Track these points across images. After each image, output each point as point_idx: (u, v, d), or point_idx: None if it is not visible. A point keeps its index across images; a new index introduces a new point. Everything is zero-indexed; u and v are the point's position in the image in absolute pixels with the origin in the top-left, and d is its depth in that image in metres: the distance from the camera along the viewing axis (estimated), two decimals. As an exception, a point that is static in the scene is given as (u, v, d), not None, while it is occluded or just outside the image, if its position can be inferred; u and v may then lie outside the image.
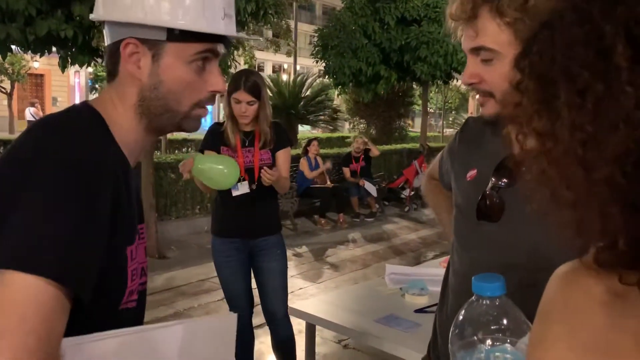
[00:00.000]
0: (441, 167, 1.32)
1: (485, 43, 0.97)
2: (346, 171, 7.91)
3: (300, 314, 2.17)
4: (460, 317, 0.62)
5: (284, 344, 2.69)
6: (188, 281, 4.77)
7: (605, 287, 0.47)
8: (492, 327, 0.60)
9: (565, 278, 0.51)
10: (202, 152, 2.57)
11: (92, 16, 0.87)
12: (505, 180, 1.06)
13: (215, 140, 2.53)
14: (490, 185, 1.07)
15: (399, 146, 10.71)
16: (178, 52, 0.83)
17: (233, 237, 2.56)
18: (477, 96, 1.06)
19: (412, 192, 8.58)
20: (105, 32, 0.86)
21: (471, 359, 0.58)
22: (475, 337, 0.59)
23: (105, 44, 0.86)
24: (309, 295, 4.41)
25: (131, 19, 0.81)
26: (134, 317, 0.87)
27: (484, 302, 0.61)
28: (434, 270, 2.57)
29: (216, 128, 2.61)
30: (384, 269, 2.58)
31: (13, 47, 5.03)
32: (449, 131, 21.95)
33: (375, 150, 8.16)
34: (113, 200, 0.77)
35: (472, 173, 1.12)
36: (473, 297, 0.62)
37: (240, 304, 2.60)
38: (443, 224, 1.38)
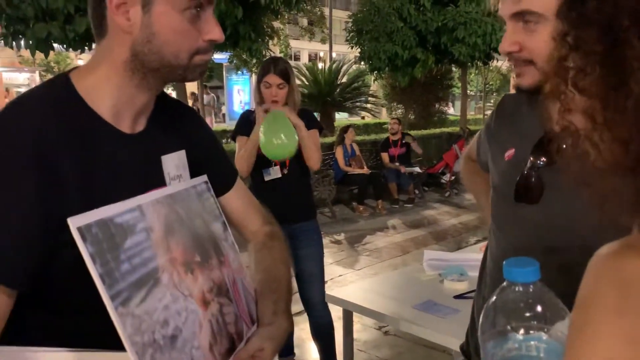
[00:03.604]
0: (479, 147, 1.27)
1: (531, 6, 0.90)
2: (384, 156, 7.82)
3: (338, 301, 2.16)
4: (491, 305, 0.58)
5: (322, 331, 2.69)
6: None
7: None
8: (526, 315, 0.56)
9: (609, 261, 0.47)
10: (234, 140, 2.60)
11: None
12: (544, 159, 1.00)
13: (247, 127, 2.54)
14: (528, 165, 1.02)
15: (438, 130, 10.52)
16: (170, 2, 0.76)
17: None
18: (513, 67, 1.00)
19: (453, 177, 8.42)
20: None
21: (502, 349, 0.54)
22: (507, 326, 0.56)
23: None
24: (348, 282, 4.40)
25: None
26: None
27: (517, 289, 0.57)
28: (474, 255, 2.50)
29: (247, 115, 2.62)
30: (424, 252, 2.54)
31: (55, 45, 5.19)
32: (489, 113, 21.39)
33: (416, 148, 8.07)
34: (53, 178, 0.72)
35: (510, 152, 1.07)
36: (505, 283, 0.58)
37: None
38: (481, 207, 1.33)
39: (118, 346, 0.64)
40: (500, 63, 14.97)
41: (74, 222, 0.63)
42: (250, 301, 0.94)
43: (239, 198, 1.05)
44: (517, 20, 0.93)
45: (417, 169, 7.95)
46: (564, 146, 0.53)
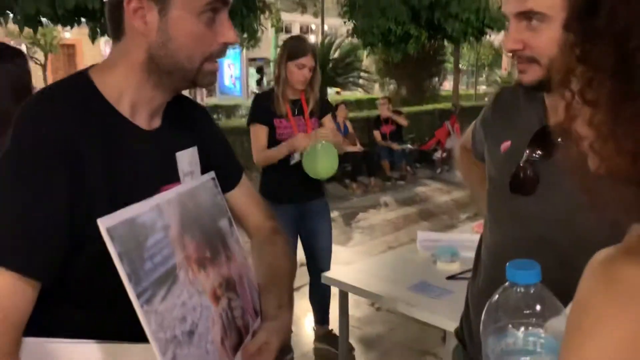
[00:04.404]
0: (474, 138, 1.29)
1: (536, 7, 0.91)
2: (376, 134, 7.84)
3: (334, 282, 2.21)
4: (494, 303, 0.62)
5: (323, 296, 2.88)
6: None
7: None
8: (525, 312, 0.59)
9: (604, 266, 0.49)
10: (248, 125, 2.62)
11: None
12: (539, 152, 1.03)
13: (265, 112, 2.56)
14: (524, 157, 1.05)
15: (430, 107, 10.52)
16: (186, 4, 0.78)
17: (286, 202, 2.65)
18: (517, 63, 1.00)
19: (444, 154, 8.47)
20: None
21: (500, 344, 0.58)
22: (508, 324, 0.59)
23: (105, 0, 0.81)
24: (341, 260, 4.46)
25: None
26: None
27: (518, 290, 0.60)
28: (466, 236, 2.56)
29: (262, 100, 2.63)
30: (417, 232, 2.60)
31: (43, 20, 5.11)
32: (482, 88, 21.37)
33: (402, 121, 8.02)
34: (80, 174, 0.74)
35: (506, 145, 1.10)
36: (507, 283, 0.62)
37: None
38: (476, 197, 1.36)
39: (139, 339, 0.67)
40: (493, 37, 14.89)
41: (104, 223, 0.66)
42: (254, 294, 0.97)
43: (243, 194, 1.07)
44: (521, 19, 0.94)
45: (409, 146, 7.98)
46: (567, 149, 0.54)
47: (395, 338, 3.20)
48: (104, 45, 20.68)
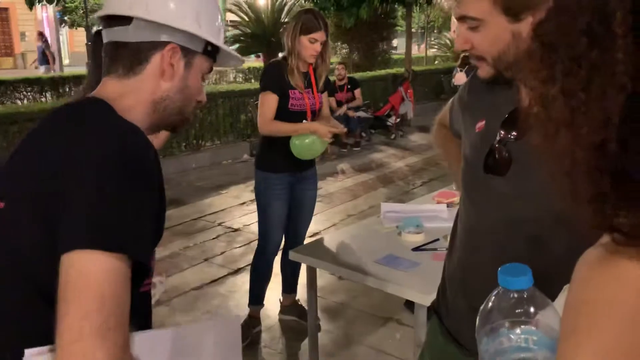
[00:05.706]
0: (451, 115, 1.31)
1: (467, 12, 1.00)
2: (332, 101, 7.80)
3: (300, 258, 2.22)
4: (487, 308, 0.63)
5: (297, 265, 2.95)
6: (181, 220, 4.80)
7: (636, 275, 0.48)
8: (518, 311, 0.61)
9: (597, 266, 0.50)
10: (261, 93, 2.64)
11: (132, 12, 0.86)
12: (514, 133, 1.06)
13: (281, 82, 2.59)
14: (498, 138, 1.07)
15: (383, 72, 10.53)
16: (201, 65, 0.94)
17: (281, 172, 2.75)
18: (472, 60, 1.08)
19: (398, 120, 8.56)
20: (133, 28, 0.87)
21: (494, 343, 0.59)
22: (501, 324, 0.61)
23: (129, 40, 0.87)
24: (303, 230, 4.48)
25: (188, 28, 0.89)
26: (147, 301, 0.93)
27: (512, 295, 0.61)
28: (428, 206, 2.62)
29: (275, 69, 2.64)
30: (375, 198, 2.67)
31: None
32: (432, 51, 21.53)
33: (357, 100, 7.96)
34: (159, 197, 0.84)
35: (481, 124, 1.12)
36: (500, 289, 0.63)
37: (278, 238, 2.84)
38: (453, 174, 1.38)
39: None
40: (443, 1, 14.92)
41: None
42: None
43: None
44: (463, 21, 1.02)
45: (364, 114, 7.99)
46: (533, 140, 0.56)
47: (359, 306, 3.27)
48: (40, 9, 19.46)
